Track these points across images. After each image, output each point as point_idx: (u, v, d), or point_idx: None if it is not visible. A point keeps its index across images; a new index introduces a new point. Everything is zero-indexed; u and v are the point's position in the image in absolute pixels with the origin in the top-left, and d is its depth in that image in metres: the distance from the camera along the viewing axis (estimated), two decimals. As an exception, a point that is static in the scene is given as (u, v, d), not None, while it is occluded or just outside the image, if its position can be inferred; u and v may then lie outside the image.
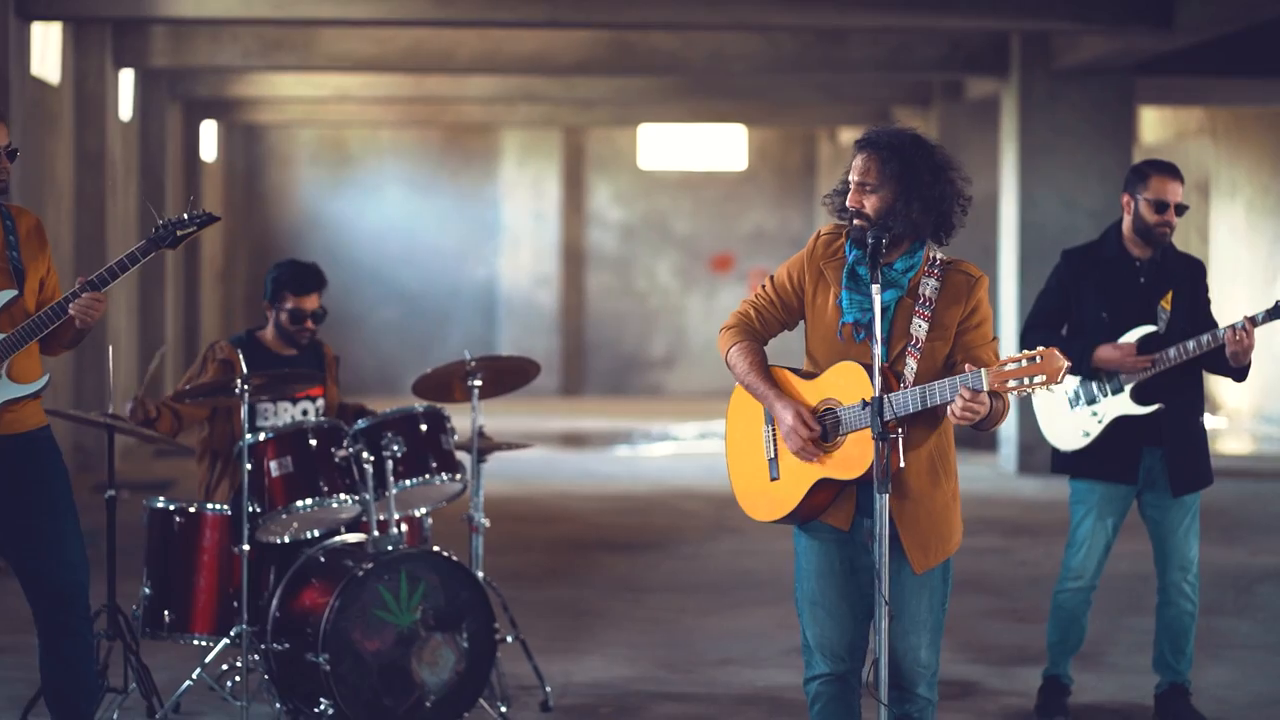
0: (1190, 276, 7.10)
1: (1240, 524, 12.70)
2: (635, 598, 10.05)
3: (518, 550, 11.53)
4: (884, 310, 5.06)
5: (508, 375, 7.66)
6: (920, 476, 5.14)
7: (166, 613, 7.05)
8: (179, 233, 6.06)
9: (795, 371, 5.25)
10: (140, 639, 7.05)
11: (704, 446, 18.63)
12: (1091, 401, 7.07)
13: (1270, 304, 6.80)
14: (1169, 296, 7.03)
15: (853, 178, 5.17)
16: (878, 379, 4.98)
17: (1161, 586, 7.13)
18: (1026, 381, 4.87)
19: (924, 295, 5.13)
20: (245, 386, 6.92)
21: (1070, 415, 7.13)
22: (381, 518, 7.09)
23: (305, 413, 7.57)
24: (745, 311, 5.35)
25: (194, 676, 7.04)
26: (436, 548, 7.07)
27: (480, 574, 7.19)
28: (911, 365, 5.09)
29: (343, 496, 7.02)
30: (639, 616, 9.50)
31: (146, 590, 7.10)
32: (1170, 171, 7.04)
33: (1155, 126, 22.21)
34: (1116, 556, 7.62)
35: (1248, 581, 10.50)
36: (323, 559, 7.03)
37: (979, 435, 4.97)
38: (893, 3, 13.39)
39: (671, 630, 9.17)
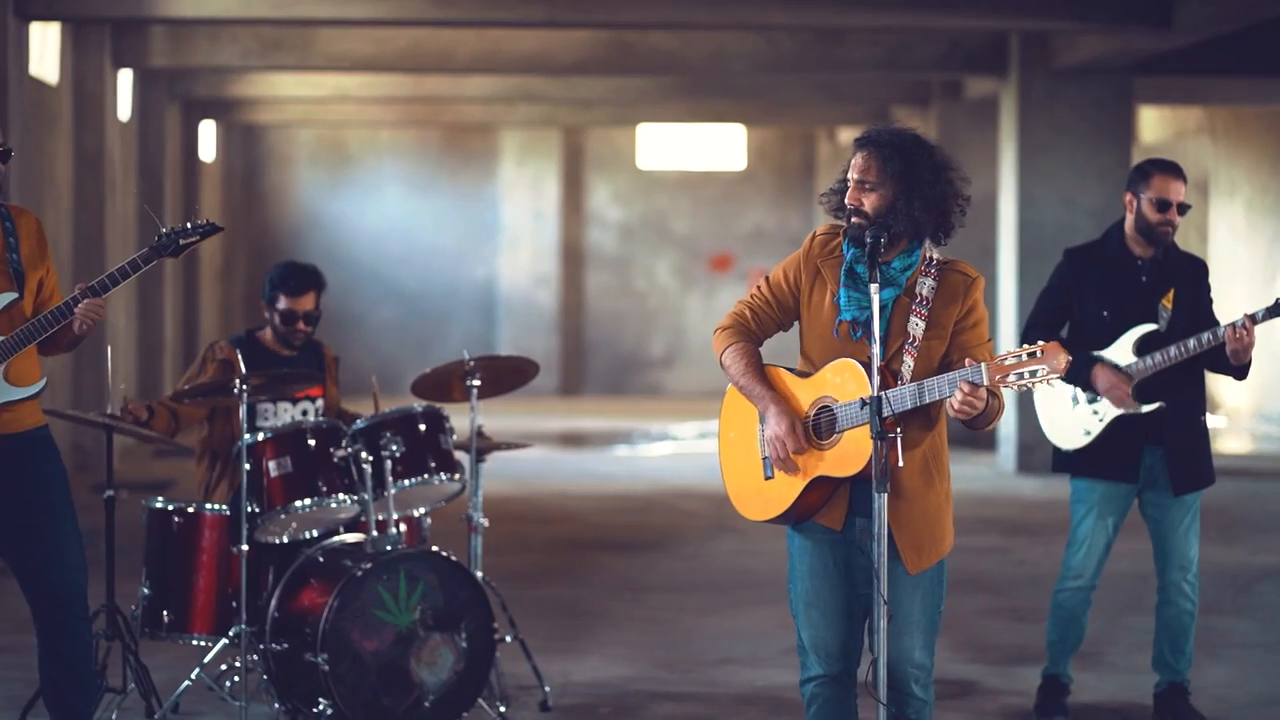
0: (1192, 275, 7.10)
1: (1240, 523, 12.70)
2: (634, 597, 10.05)
3: (517, 550, 11.53)
4: (881, 309, 5.05)
5: (506, 375, 7.66)
6: (914, 477, 5.14)
7: (165, 613, 7.05)
8: (181, 242, 6.06)
9: (790, 370, 5.25)
10: (139, 639, 7.04)
11: (703, 446, 18.63)
12: (1093, 400, 7.07)
13: (1270, 302, 6.79)
14: (1170, 295, 7.02)
15: (852, 176, 5.16)
16: (876, 377, 4.97)
17: (1161, 586, 7.12)
18: (1027, 375, 4.87)
19: (921, 294, 5.13)
20: (244, 386, 6.91)
21: (1071, 414, 7.13)
22: (380, 518, 7.09)
23: (305, 413, 7.57)
24: (740, 312, 5.34)
25: (193, 676, 7.03)
26: (435, 548, 7.06)
27: (479, 574, 7.19)
28: (909, 363, 5.09)
29: (341, 496, 7.01)
30: (638, 616, 9.50)
31: (145, 590, 7.09)
32: (1173, 170, 7.04)
33: (1154, 126, 22.21)
34: (1116, 556, 7.62)
35: (1247, 581, 10.49)
36: (321, 559, 7.02)
37: (978, 435, 4.96)
38: (891, 2, 13.39)
39: (671, 630, 9.17)
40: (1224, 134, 21.01)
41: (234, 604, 6.98)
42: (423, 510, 7.49)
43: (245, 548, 6.89)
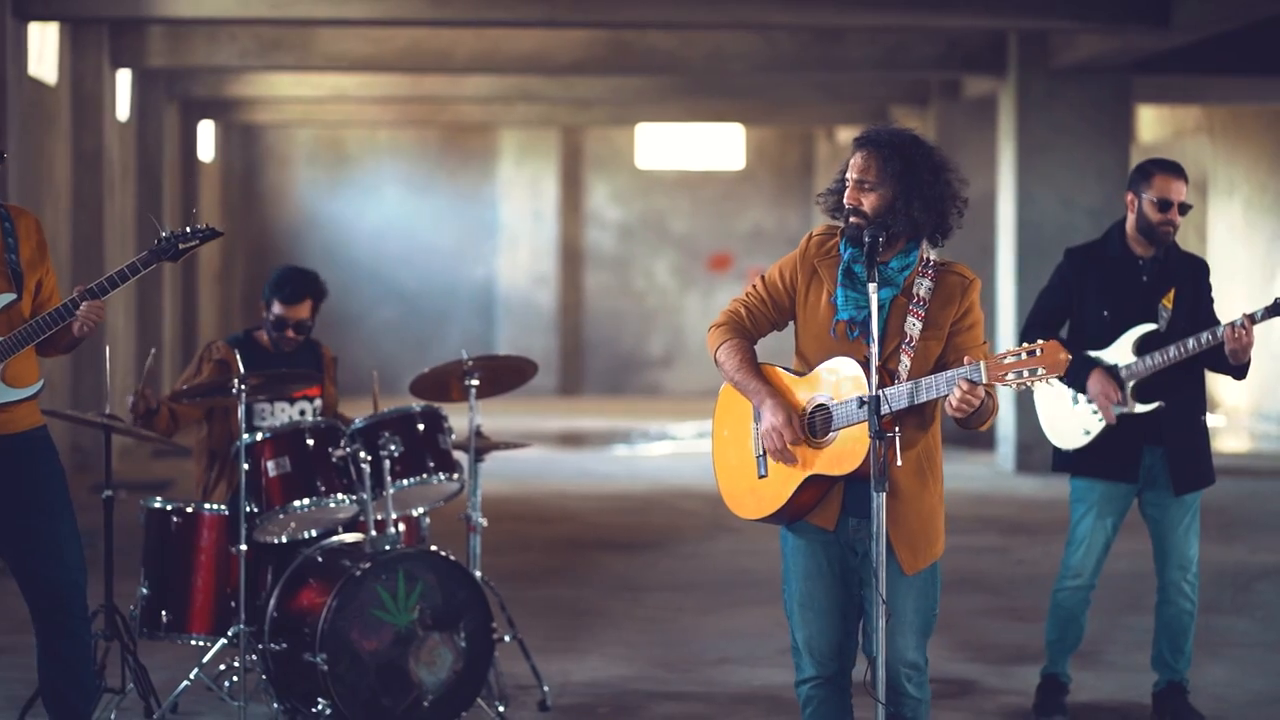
0: (1193, 275, 7.10)
1: (1239, 522, 12.70)
2: (633, 597, 10.05)
3: (515, 550, 11.52)
4: (879, 308, 5.05)
5: (505, 375, 7.66)
6: (909, 477, 5.14)
7: (164, 613, 7.05)
8: (181, 246, 6.06)
9: (786, 370, 5.24)
10: (138, 639, 7.04)
11: (702, 446, 18.62)
12: (1092, 400, 7.06)
13: (1269, 301, 6.79)
14: (1171, 295, 7.02)
15: (851, 175, 5.15)
16: (874, 377, 4.97)
17: (1161, 585, 7.12)
18: (1026, 374, 4.86)
19: (918, 295, 5.12)
20: (242, 386, 6.91)
21: (1071, 413, 7.12)
22: (379, 517, 7.09)
23: (302, 413, 7.57)
24: (735, 310, 5.34)
25: (191, 676, 7.03)
26: (434, 547, 7.06)
27: (478, 573, 7.18)
28: (905, 363, 5.09)
29: (340, 496, 7.01)
30: (637, 616, 9.50)
31: (144, 590, 7.09)
32: (1174, 170, 7.05)
33: (1153, 125, 22.21)
34: (1115, 555, 7.62)
35: (1246, 580, 10.49)
36: (320, 559, 7.02)
37: (978, 434, 4.97)
38: (890, 2, 13.39)
39: (669, 629, 9.17)
40: (1223, 133, 21.01)
41: (233, 604, 6.98)
42: (421, 510, 7.49)
43: (244, 548, 6.89)
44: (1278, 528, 12.87)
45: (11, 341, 5.86)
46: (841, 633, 5.23)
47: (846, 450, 5.06)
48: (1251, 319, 6.74)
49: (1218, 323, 6.97)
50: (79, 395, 15.05)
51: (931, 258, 5.19)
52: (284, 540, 7.12)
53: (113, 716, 6.94)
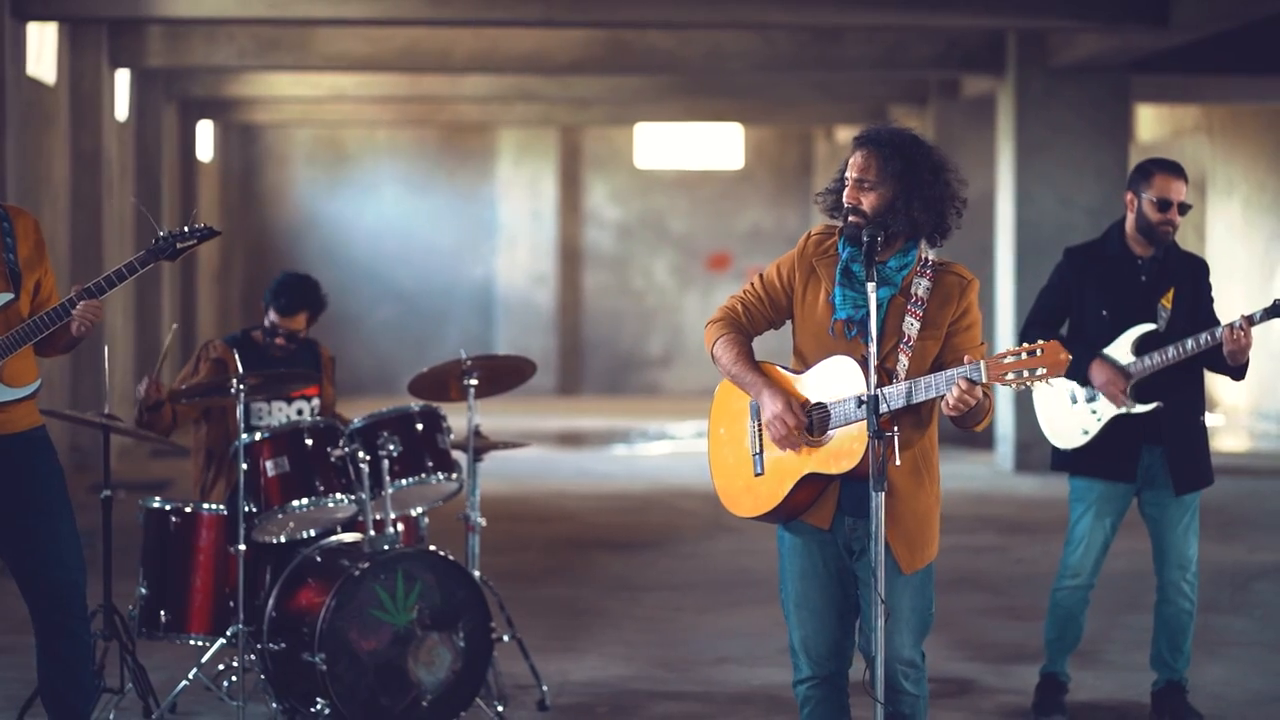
0: (1192, 275, 7.09)
1: (1238, 521, 12.70)
2: (632, 596, 10.04)
3: (514, 549, 11.52)
4: (877, 307, 5.04)
5: (504, 374, 7.66)
6: (906, 476, 5.14)
7: (163, 613, 7.05)
8: (179, 245, 6.05)
9: (783, 368, 5.24)
10: (136, 639, 7.04)
11: (701, 445, 18.61)
12: (1091, 399, 7.06)
13: (1268, 302, 6.79)
14: (1170, 295, 7.02)
15: (851, 174, 5.15)
16: (873, 376, 4.97)
17: (1160, 585, 7.12)
18: (1026, 374, 4.86)
19: (916, 294, 5.12)
20: (241, 386, 6.91)
21: (1070, 413, 7.12)
22: (378, 517, 7.09)
23: (300, 412, 7.57)
24: (732, 306, 5.34)
25: (190, 676, 7.03)
26: (433, 547, 7.06)
27: (477, 573, 7.19)
28: (903, 362, 5.09)
29: (339, 496, 7.01)
30: (636, 615, 9.50)
31: (143, 590, 7.09)
32: (1174, 170, 7.05)
33: (1152, 124, 22.21)
34: (1114, 554, 7.62)
35: (1245, 579, 10.49)
36: (319, 558, 7.02)
37: (977, 434, 4.98)
38: (889, 1, 13.39)
39: (668, 629, 9.17)
40: (1221, 132, 21.01)
41: (231, 604, 6.98)
42: (420, 510, 7.49)
43: (242, 547, 6.89)
44: (1276, 527, 12.87)
45: (9, 341, 5.86)
46: (838, 632, 5.23)
47: (844, 449, 5.06)
48: (1250, 320, 6.74)
49: (1217, 323, 6.97)
50: (78, 395, 15.04)
51: (930, 257, 5.20)
52: (283, 540, 7.12)
53: (111, 716, 6.94)
